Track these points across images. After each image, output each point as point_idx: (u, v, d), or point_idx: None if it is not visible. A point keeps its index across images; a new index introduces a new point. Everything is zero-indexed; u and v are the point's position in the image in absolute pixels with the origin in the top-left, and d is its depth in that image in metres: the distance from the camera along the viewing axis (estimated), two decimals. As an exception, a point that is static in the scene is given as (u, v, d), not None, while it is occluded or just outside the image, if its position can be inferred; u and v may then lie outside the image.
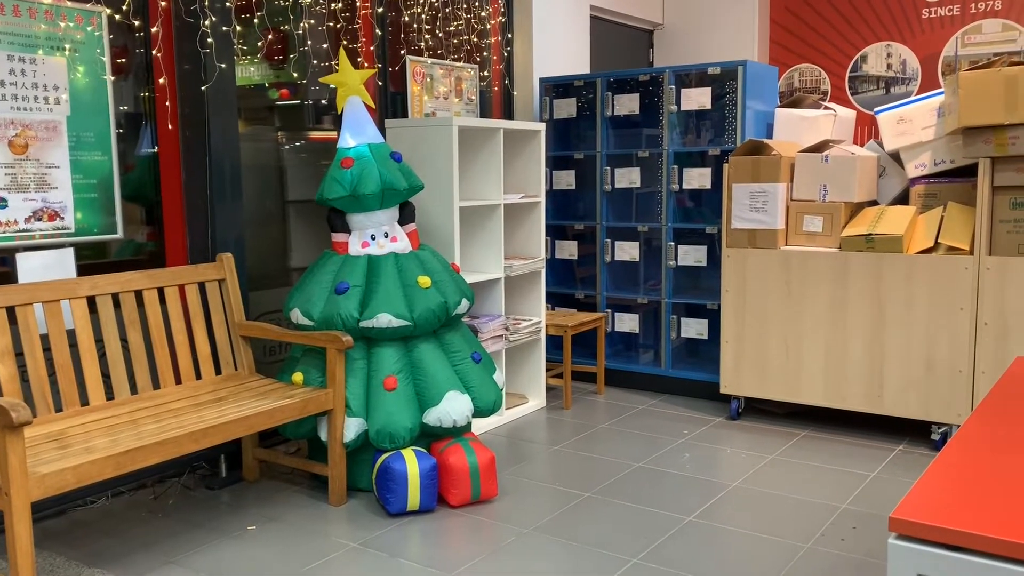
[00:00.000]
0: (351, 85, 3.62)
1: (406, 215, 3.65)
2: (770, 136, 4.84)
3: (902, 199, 4.43)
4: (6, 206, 3.03)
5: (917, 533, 1.38)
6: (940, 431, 3.94)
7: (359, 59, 4.30)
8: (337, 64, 3.75)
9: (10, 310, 2.94)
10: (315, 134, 4.27)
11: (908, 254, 3.91)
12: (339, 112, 3.67)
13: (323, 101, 4.26)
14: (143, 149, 3.54)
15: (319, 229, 4.32)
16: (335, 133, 4.33)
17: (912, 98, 4.37)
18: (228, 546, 3.01)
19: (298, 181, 4.21)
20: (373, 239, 3.51)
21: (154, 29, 3.47)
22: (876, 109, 4.40)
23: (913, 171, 4.26)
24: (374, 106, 3.95)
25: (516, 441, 4.15)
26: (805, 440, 4.12)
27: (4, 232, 3.03)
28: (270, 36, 3.98)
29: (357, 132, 3.58)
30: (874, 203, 4.44)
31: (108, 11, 3.32)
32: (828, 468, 3.74)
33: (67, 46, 3.19)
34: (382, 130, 4.26)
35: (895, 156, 4.42)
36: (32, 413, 2.57)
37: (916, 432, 4.20)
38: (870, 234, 3.97)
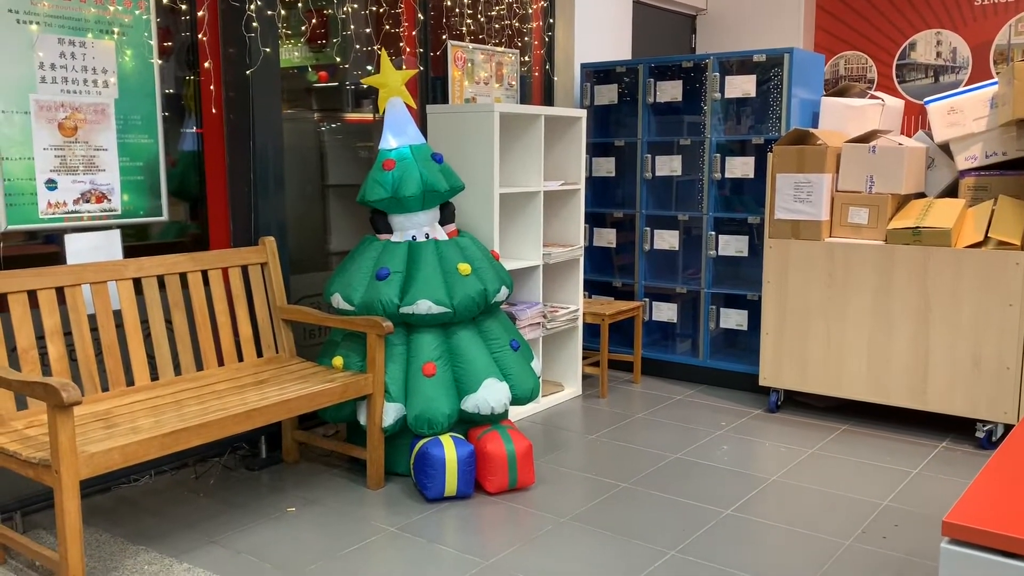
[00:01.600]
0: (392, 86, 3.62)
1: (446, 215, 3.66)
2: (815, 125, 4.76)
3: (951, 192, 4.34)
4: (56, 188, 3.08)
5: (971, 538, 1.36)
6: (985, 429, 3.87)
7: (401, 43, 4.29)
8: (379, 49, 3.75)
9: (59, 290, 2.99)
10: (353, 115, 4.28)
11: (956, 248, 3.83)
12: (380, 113, 3.67)
13: (364, 86, 4.26)
14: (188, 132, 3.57)
15: (358, 213, 4.34)
16: (373, 115, 4.34)
17: (963, 88, 4.26)
18: (268, 527, 3.05)
19: (338, 165, 4.23)
20: (414, 239, 3.54)
21: (200, 13, 3.49)
22: (926, 99, 4.30)
23: (963, 163, 4.17)
24: (415, 106, 3.95)
25: (552, 429, 4.15)
26: (845, 435, 4.07)
27: (54, 213, 3.08)
28: (314, 20, 3.99)
29: (398, 133, 3.58)
30: (922, 195, 4.35)
31: (156, -5, 3.34)
32: (869, 464, 3.69)
33: (115, 29, 3.22)
34: (423, 115, 4.26)
35: (944, 147, 4.33)
36: (80, 392, 2.61)
37: (960, 429, 4.13)
38: (917, 227, 3.89)
